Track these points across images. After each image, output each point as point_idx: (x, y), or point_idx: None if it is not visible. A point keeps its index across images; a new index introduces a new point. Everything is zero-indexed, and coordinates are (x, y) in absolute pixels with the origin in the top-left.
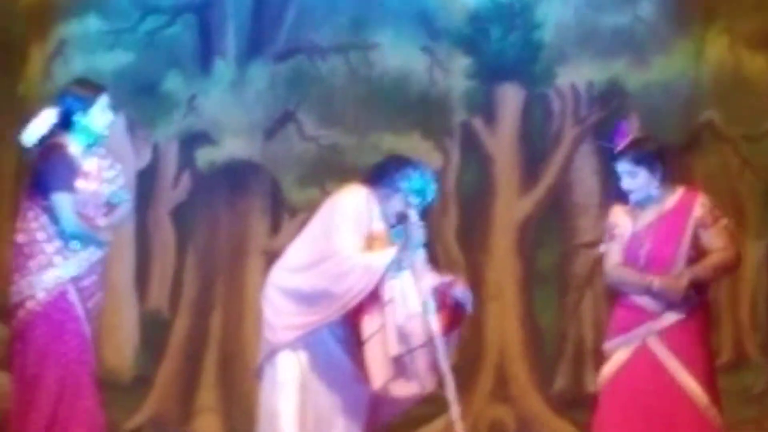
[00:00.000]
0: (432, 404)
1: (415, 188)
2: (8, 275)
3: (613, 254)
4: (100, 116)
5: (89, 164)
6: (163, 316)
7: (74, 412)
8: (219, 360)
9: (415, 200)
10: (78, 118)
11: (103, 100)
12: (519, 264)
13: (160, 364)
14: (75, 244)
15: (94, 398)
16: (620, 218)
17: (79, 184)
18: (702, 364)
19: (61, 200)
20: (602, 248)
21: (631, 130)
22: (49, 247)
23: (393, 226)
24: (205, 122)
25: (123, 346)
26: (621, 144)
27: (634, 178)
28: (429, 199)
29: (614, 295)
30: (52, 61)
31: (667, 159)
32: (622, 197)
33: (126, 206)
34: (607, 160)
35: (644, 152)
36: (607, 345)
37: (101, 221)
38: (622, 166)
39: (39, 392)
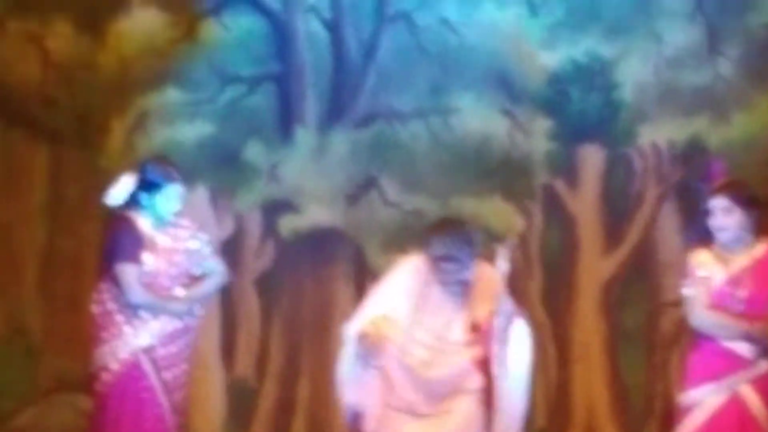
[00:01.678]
0: None
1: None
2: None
3: (701, 297)
4: (164, 203)
5: (162, 236)
6: (250, 384)
7: None
8: (307, 429)
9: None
10: (142, 198)
11: (171, 190)
12: (604, 324)
13: None
14: (145, 314)
15: None
16: (705, 261)
17: (148, 255)
18: None
19: (125, 271)
20: (686, 291)
21: (724, 170)
22: (120, 317)
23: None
24: (287, 190)
25: (211, 416)
26: (718, 180)
27: (730, 215)
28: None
29: (696, 341)
30: (132, 133)
31: (759, 207)
32: (704, 241)
33: (217, 277)
34: (696, 199)
35: (742, 193)
36: (691, 394)
37: (179, 292)
38: (718, 202)
39: None
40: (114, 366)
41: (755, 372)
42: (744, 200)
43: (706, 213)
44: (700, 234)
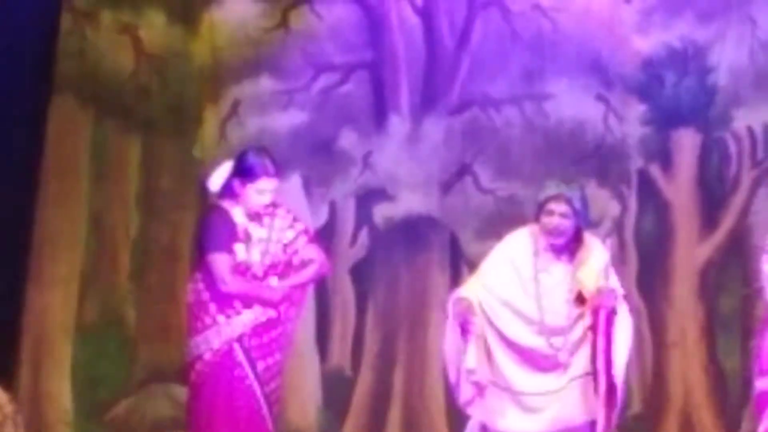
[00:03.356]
0: None
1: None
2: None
3: None
4: (255, 196)
5: (257, 227)
6: (346, 374)
7: None
8: (403, 417)
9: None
10: (236, 186)
11: (263, 184)
12: (700, 309)
13: (345, 423)
14: (238, 304)
15: None
16: None
17: (240, 246)
18: None
19: (217, 260)
20: (766, 267)
21: None
22: (213, 307)
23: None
24: (381, 178)
25: (306, 406)
26: None
27: None
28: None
29: None
30: (226, 122)
31: None
32: None
33: (315, 266)
34: None
35: None
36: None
37: (273, 282)
38: None
39: None
40: (207, 356)
41: None
42: None
43: None
44: None
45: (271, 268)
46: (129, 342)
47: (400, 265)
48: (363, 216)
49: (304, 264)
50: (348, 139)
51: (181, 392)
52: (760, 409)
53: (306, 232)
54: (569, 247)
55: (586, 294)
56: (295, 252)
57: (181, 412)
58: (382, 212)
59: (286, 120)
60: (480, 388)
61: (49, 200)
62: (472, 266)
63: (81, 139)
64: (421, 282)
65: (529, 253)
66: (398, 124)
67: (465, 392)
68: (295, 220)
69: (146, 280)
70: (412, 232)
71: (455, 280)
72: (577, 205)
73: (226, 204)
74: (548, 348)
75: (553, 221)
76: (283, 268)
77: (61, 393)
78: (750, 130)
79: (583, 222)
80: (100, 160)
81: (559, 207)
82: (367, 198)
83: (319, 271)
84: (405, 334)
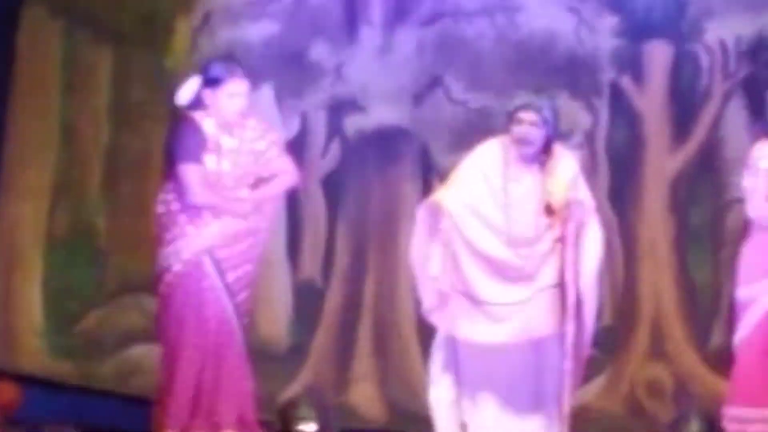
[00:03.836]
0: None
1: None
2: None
3: (760, 189)
4: (227, 100)
5: (228, 138)
6: (317, 285)
7: (221, 383)
8: (373, 328)
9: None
10: (206, 95)
11: (233, 86)
12: (672, 221)
13: (315, 334)
14: (207, 215)
15: (241, 369)
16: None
17: (211, 156)
18: None
19: (186, 171)
20: (746, 182)
21: None
22: (183, 218)
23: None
24: (352, 90)
25: (277, 317)
26: None
27: None
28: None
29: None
30: (198, 33)
31: None
32: None
33: (286, 178)
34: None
35: None
36: (746, 290)
37: (244, 193)
38: None
39: (181, 362)
40: (177, 267)
41: None
42: None
43: None
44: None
45: (242, 179)
46: (100, 253)
47: (371, 177)
48: (334, 127)
49: (274, 175)
50: (319, 51)
51: (152, 303)
52: (737, 319)
53: (277, 143)
54: (539, 157)
55: (555, 205)
56: (267, 163)
57: (152, 322)
58: (353, 123)
59: (258, 31)
60: (443, 297)
61: (20, 112)
62: (443, 177)
63: (52, 51)
64: (392, 193)
65: (500, 163)
66: (370, 36)
67: (428, 299)
68: (266, 131)
69: (117, 191)
70: (384, 143)
71: (426, 191)
72: (547, 114)
73: (197, 115)
74: (516, 258)
75: (522, 130)
76: (254, 180)
77: (31, 304)
78: (722, 43)
79: (553, 132)
80: (71, 71)
81: (529, 116)
82: (339, 109)
83: (289, 182)
84: (376, 246)
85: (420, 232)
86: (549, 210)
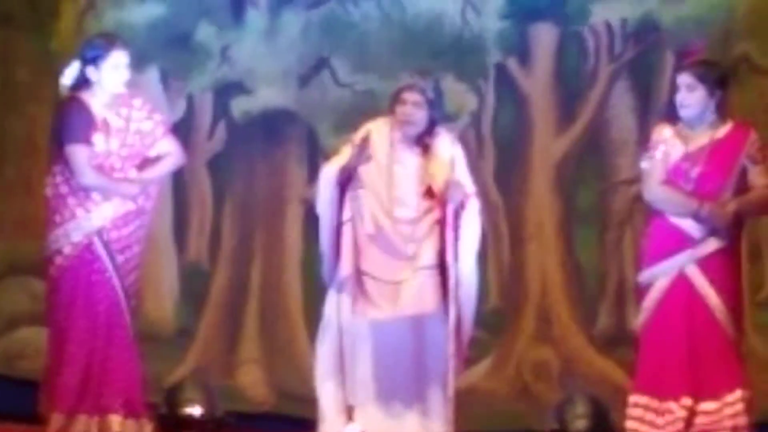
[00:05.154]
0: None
1: None
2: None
3: (656, 172)
4: (111, 73)
5: (115, 117)
6: (203, 267)
7: (108, 365)
8: (260, 310)
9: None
10: (90, 73)
11: (115, 57)
12: (558, 203)
13: (202, 316)
14: (97, 196)
15: (129, 351)
16: (667, 137)
17: (99, 136)
18: (734, 297)
19: (75, 152)
20: (644, 164)
21: (702, 50)
22: (72, 200)
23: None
24: (238, 72)
25: (164, 299)
26: (689, 57)
27: (691, 93)
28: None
29: (650, 217)
30: (83, 16)
31: (726, 89)
32: (669, 117)
33: (172, 158)
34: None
35: (708, 72)
36: (645, 273)
37: (131, 174)
38: (683, 79)
39: (69, 345)
40: (67, 249)
41: (702, 252)
42: (708, 79)
43: (674, 90)
44: (666, 113)
45: (129, 160)
46: None
47: (258, 159)
48: (220, 109)
49: (160, 156)
50: (205, 33)
51: (39, 286)
52: (638, 303)
53: (163, 123)
54: (423, 139)
55: (435, 188)
56: (152, 143)
57: (38, 305)
58: (239, 106)
59: (144, 13)
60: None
61: None
62: (329, 159)
63: None
64: (278, 176)
65: (385, 143)
66: (256, 18)
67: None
68: (152, 111)
69: (3, 173)
70: (270, 125)
71: (312, 173)
72: (431, 95)
73: (83, 95)
74: (397, 237)
75: (405, 110)
76: (141, 160)
77: None
78: (608, 25)
79: (437, 114)
80: None
81: (412, 96)
82: (225, 91)
83: (175, 163)
84: (262, 228)
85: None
86: (430, 193)
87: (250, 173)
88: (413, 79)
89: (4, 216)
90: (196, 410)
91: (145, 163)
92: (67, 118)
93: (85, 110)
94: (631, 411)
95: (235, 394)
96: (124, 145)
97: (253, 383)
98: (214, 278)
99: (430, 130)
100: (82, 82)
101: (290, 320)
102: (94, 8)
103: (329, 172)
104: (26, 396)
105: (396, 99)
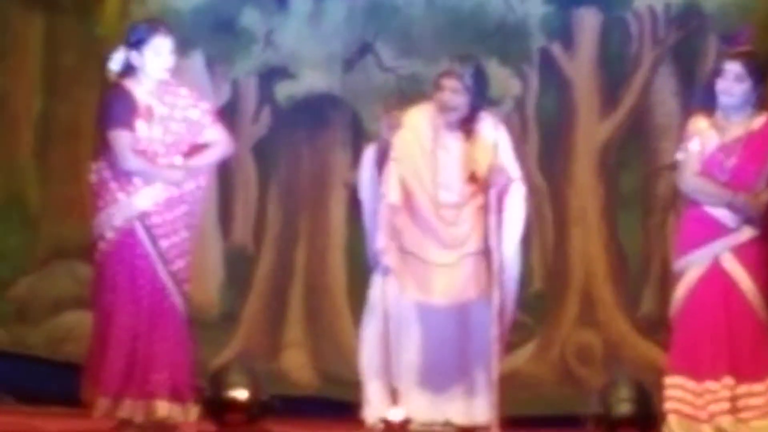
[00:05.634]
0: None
1: None
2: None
3: (691, 163)
4: (153, 58)
5: (159, 105)
6: (248, 251)
7: (154, 349)
8: (304, 294)
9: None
10: (134, 58)
11: (158, 42)
12: (601, 188)
13: (246, 300)
14: (138, 181)
15: (176, 335)
16: (703, 128)
17: (142, 123)
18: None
19: (117, 137)
20: (679, 155)
21: (749, 38)
22: (114, 185)
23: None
24: (283, 56)
25: (209, 284)
26: (736, 45)
27: (739, 83)
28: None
29: (685, 206)
30: (129, 1)
31: (766, 81)
32: (705, 105)
33: (220, 146)
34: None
35: (758, 65)
36: (680, 262)
37: (176, 160)
38: (732, 67)
39: (114, 329)
40: (110, 234)
41: (736, 240)
42: (758, 71)
43: (717, 75)
44: (703, 99)
45: (174, 147)
46: (31, 220)
47: (302, 144)
48: (265, 94)
49: (208, 144)
50: (250, 17)
51: (84, 270)
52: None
53: (210, 111)
54: (464, 125)
55: (479, 173)
56: (200, 131)
57: (84, 290)
58: (284, 90)
59: None
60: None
61: None
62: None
63: None
64: (322, 160)
65: (429, 128)
66: (300, 2)
67: (381, 239)
68: (198, 99)
69: (48, 158)
70: (314, 110)
71: (357, 158)
72: (469, 81)
73: (128, 82)
74: (440, 222)
75: (444, 97)
76: (188, 148)
77: None
78: (651, 9)
79: (477, 99)
80: (1, 38)
81: (450, 82)
82: (269, 76)
83: (224, 151)
84: (307, 213)
85: (369, 170)
86: (473, 178)
87: (295, 158)
88: (452, 64)
89: (49, 200)
90: (241, 394)
91: (193, 150)
92: (110, 105)
93: (128, 96)
94: (669, 392)
95: (280, 378)
96: (168, 132)
97: (297, 367)
98: (259, 262)
99: (472, 115)
100: (128, 68)
101: (335, 304)
102: None
103: (367, 153)
104: (71, 380)
105: (436, 85)
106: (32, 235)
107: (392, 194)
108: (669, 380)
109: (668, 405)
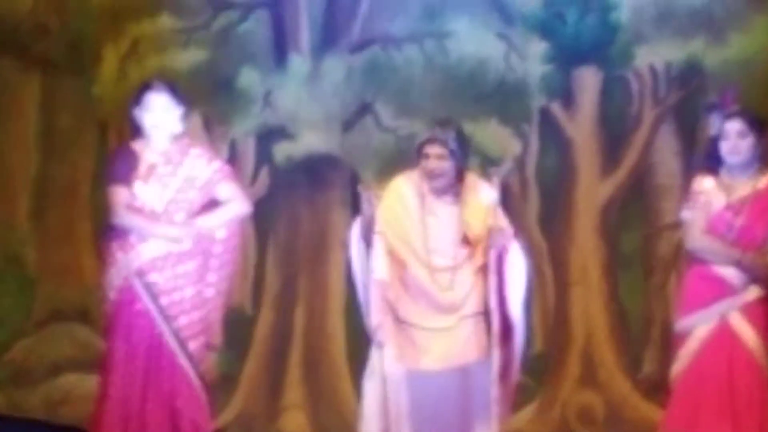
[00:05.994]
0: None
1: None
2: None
3: (698, 221)
4: (146, 115)
5: (164, 163)
6: (247, 312)
7: (145, 410)
8: (304, 356)
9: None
10: (136, 117)
11: (150, 99)
12: (602, 247)
13: (245, 362)
14: (133, 238)
15: (179, 399)
16: (708, 188)
17: (141, 181)
18: None
19: (114, 192)
20: (685, 215)
21: (736, 98)
22: (114, 244)
23: None
24: (281, 117)
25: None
26: (725, 106)
27: (743, 139)
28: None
29: (690, 265)
30: (125, 61)
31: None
32: (709, 166)
33: (235, 205)
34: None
35: (755, 118)
36: (684, 321)
37: (177, 218)
38: (733, 125)
39: (109, 390)
40: (112, 295)
41: (744, 299)
42: (757, 125)
43: (717, 138)
44: (707, 160)
45: (178, 205)
46: (28, 282)
47: (301, 204)
48: (263, 155)
49: (222, 202)
50: (248, 78)
51: (82, 332)
52: (675, 350)
53: (223, 170)
54: (453, 188)
55: (472, 235)
56: (210, 190)
57: (81, 352)
58: (282, 151)
59: (186, 58)
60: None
61: None
62: None
63: None
64: (321, 221)
65: (415, 196)
66: (299, 63)
67: (375, 316)
68: (210, 159)
69: (45, 219)
70: (313, 170)
71: (356, 217)
72: (453, 145)
73: (136, 142)
74: (434, 286)
75: (430, 164)
76: (198, 207)
77: None
78: (652, 68)
79: (461, 161)
80: None
81: (434, 149)
82: (268, 137)
83: (240, 209)
84: (306, 273)
85: (357, 245)
86: (467, 241)
87: (294, 218)
88: (433, 131)
89: (46, 262)
90: None
91: (204, 209)
92: (112, 162)
93: (130, 154)
94: None
95: None
96: (173, 190)
97: (297, 429)
98: (258, 324)
99: (459, 178)
100: (136, 128)
101: (334, 365)
102: (136, 54)
103: (353, 229)
104: None
105: (420, 154)
106: (29, 298)
107: (379, 270)
108: None
109: None
